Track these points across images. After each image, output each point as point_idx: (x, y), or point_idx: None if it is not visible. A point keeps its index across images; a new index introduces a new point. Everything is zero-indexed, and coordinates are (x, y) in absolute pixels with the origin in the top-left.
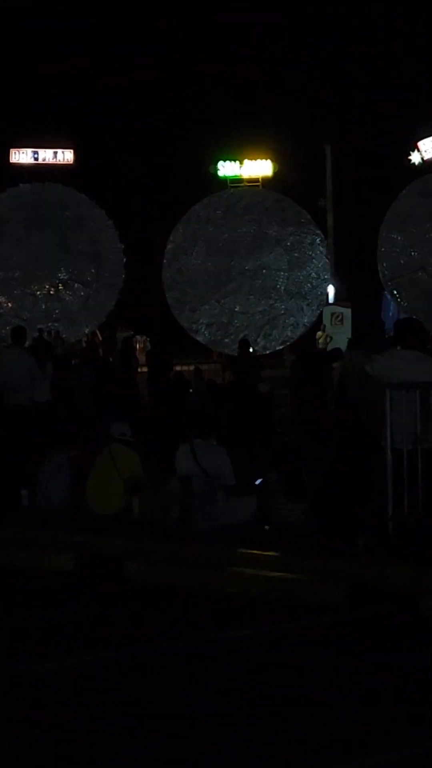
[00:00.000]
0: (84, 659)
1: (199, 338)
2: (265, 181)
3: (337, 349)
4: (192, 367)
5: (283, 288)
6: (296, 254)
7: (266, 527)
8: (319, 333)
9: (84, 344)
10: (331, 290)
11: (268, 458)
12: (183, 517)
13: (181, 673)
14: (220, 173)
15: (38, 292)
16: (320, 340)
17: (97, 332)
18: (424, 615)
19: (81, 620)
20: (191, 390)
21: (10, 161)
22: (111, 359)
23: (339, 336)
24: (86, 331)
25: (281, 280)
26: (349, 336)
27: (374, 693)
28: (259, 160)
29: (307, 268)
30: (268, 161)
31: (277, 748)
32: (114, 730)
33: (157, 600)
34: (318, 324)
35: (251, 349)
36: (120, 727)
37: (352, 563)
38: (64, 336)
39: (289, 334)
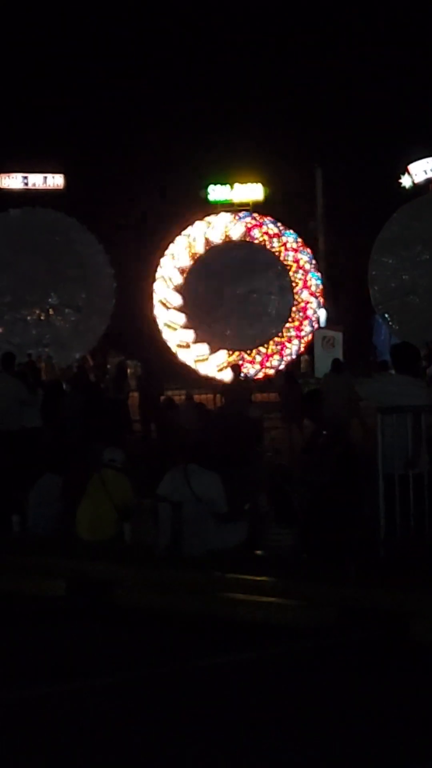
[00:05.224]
0: (74, 685)
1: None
2: (256, 205)
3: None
4: (183, 394)
5: (274, 312)
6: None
7: (257, 552)
8: (303, 357)
9: (75, 369)
10: (322, 314)
11: (258, 483)
12: (173, 542)
13: (173, 698)
14: (211, 197)
15: (28, 317)
16: (302, 365)
17: (88, 357)
18: (415, 638)
19: (71, 646)
20: (182, 415)
21: (0, 187)
22: (102, 384)
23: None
24: (77, 356)
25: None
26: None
27: (366, 716)
28: (249, 184)
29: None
30: (259, 185)
31: None
32: (105, 756)
33: (148, 626)
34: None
35: (242, 374)
36: (112, 752)
37: (343, 587)
38: (54, 361)
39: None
